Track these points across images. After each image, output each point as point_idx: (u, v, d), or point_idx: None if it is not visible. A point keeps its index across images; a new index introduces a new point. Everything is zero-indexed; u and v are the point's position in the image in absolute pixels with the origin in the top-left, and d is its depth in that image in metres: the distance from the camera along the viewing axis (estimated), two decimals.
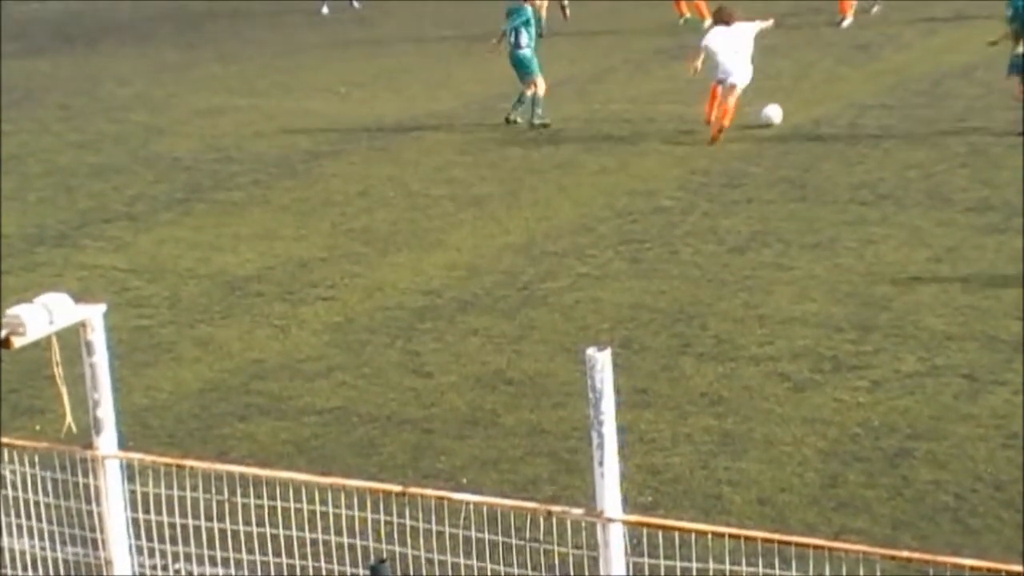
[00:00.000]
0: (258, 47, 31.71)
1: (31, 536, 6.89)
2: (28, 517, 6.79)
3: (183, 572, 7.76)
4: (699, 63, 19.92)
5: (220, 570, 6.99)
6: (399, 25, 33.56)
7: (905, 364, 11.44)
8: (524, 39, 21.82)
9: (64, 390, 6.43)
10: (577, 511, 5.73)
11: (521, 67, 21.81)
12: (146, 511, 6.72)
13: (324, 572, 6.62)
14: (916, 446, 9.95)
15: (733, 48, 19.85)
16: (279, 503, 6.47)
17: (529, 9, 22.20)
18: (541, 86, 21.68)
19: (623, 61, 26.84)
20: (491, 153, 19.91)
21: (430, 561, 6.68)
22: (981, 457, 9.70)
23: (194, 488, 6.67)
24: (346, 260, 15.21)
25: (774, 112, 20.66)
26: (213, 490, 6.68)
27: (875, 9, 29.62)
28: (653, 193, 17.20)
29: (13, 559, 7.04)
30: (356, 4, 36.57)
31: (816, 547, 5.58)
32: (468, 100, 23.92)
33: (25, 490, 6.69)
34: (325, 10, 35.99)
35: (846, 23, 28.51)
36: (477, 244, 15.57)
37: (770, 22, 21.07)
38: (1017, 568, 5.16)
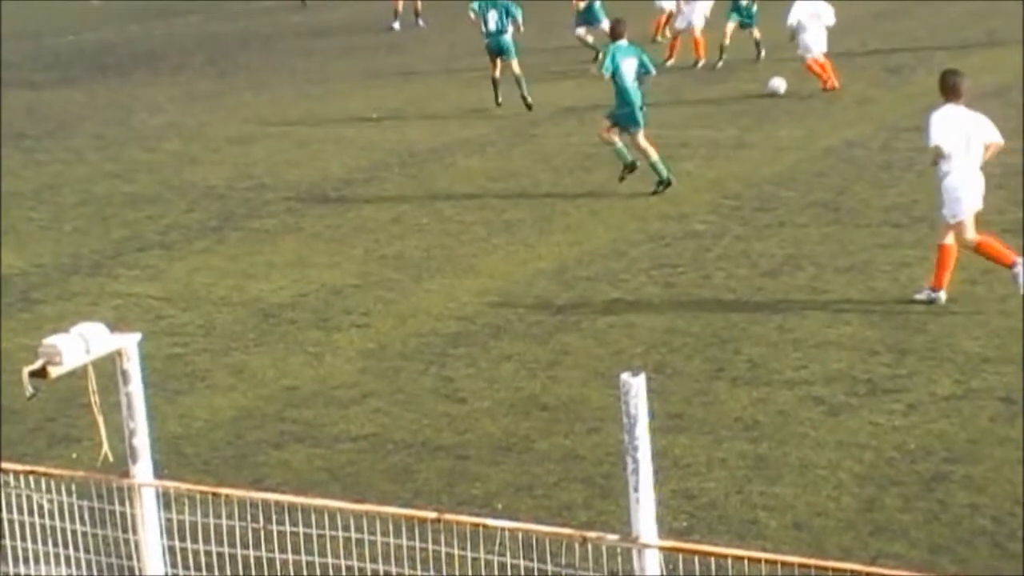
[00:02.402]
0: (289, 75, 31.86)
1: (68, 565, 6.91)
2: (65, 546, 6.81)
3: None
4: None
5: None
6: (430, 52, 33.69)
7: (941, 387, 11.38)
8: (509, 25, 25.26)
9: (100, 419, 6.45)
10: (612, 537, 5.72)
11: (506, 51, 25.19)
12: (182, 539, 6.73)
13: None
14: (953, 470, 9.88)
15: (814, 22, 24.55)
16: (314, 530, 6.47)
17: None
18: (517, 67, 25.19)
19: (654, 86, 26.83)
20: (523, 179, 19.94)
21: None
22: (1019, 480, 9.62)
23: (229, 516, 6.68)
24: (379, 287, 15.24)
25: (779, 84, 23.10)
26: (248, 518, 6.68)
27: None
28: (685, 217, 17.18)
29: None
30: (420, 23, 38.67)
31: (853, 572, 5.54)
32: (500, 126, 23.98)
33: (62, 519, 6.72)
34: (396, 25, 38.57)
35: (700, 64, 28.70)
36: (510, 270, 15.58)
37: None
38: None
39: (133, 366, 6.29)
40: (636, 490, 5.45)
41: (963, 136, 13.40)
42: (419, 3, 38.95)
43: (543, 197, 18.78)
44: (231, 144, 24.17)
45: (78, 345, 6.13)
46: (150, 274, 16.41)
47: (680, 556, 5.76)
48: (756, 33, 28.04)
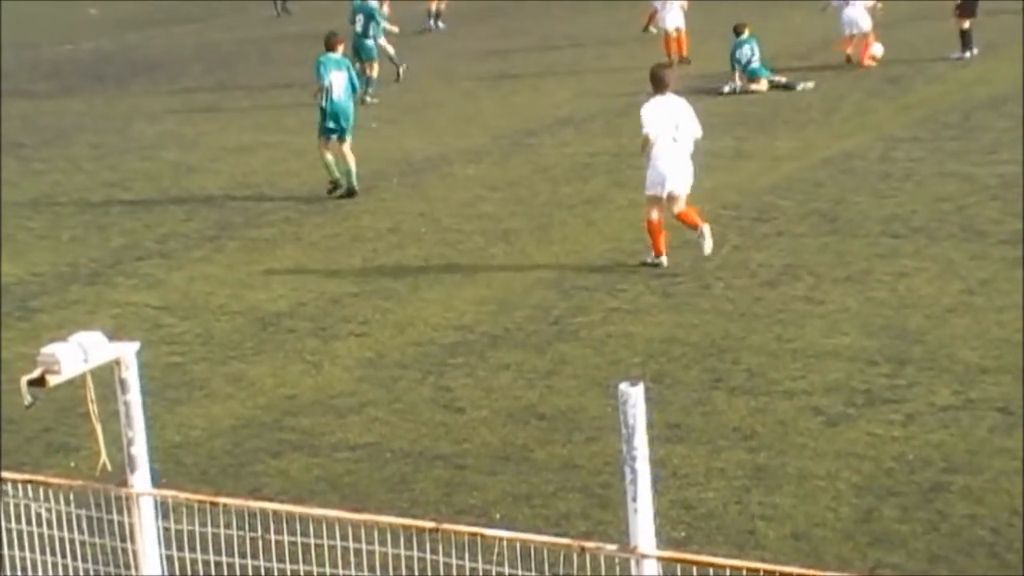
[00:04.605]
0: (287, 84, 31.86)
1: (65, 574, 6.90)
2: (63, 555, 6.80)
3: None
4: None
5: None
6: (428, 61, 33.70)
7: (939, 397, 11.37)
8: (371, 30, 28.12)
9: (98, 428, 6.44)
10: (611, 547, 5.71)
11: (367, 53, 28.15)
12: (180, 548, 6.72)
13: None
14: (951, 480, 9.88)
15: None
16: (312, 540, 6.46)
17: (373, 4, 28.64)
18: (376, 70, 28.47)
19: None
20: (520, 188, 19.94)
21: None
22: (1017, 491, 9.61)
23: (227, 525, 6.67)
24: (377, 296, 15.24)
25: (876, 49, 25.50)
26: (246, 527, 6.67)
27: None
28: (683, 227, 17.14)
29: None
30: (441, 24, 39.77)
31: None
32: (497, 135, 23.99)
33: (60, 528, 6.70)
34: (442, 25, 40.05)
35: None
36: (508, 279, 15.58)
37: None
38: None
39: (131, 375, 6.28)
40: (634, 500, 5.44)
41: (670, 124, 15.25)
42: (442, 4, 39.70)
43: (541, 206, 18.79)
44: (229, 153, 24.17)
45: (76, 354, 6.12)
46: (148, 283, 16.40)
47: (678, 566, 5.75)
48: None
